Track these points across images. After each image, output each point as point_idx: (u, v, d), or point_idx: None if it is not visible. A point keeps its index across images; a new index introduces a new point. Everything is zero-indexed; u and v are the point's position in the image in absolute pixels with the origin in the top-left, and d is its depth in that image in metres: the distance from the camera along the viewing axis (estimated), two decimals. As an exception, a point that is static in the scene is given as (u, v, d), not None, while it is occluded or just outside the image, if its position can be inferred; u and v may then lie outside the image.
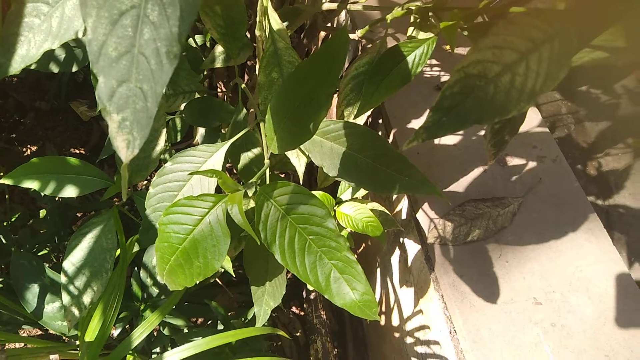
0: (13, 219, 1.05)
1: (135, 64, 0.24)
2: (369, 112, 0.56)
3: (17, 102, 1.42)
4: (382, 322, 0.90)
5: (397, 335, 0.82)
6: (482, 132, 0.74)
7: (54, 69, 0.58)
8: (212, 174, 0.43)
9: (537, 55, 0.31)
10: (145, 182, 1.33)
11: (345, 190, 0.70)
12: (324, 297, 0.42)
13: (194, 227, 0.43)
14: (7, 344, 1.03)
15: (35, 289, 0.72)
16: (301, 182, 0.56)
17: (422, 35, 0.52)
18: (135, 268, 0.80)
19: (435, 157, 0.71)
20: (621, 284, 0.61)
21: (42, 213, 1.12)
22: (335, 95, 0.70)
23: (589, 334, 0.57)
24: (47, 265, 0.76)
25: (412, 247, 0.71)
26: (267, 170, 0.49)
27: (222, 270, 0.70)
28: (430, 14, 0.49)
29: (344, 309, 0.42)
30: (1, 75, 0.38)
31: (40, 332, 1.07)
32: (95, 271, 0.59)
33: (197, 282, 0.45)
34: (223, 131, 0.73)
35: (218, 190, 0.50)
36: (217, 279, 0.96)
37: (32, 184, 0.60)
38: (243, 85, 0.59)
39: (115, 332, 0.79)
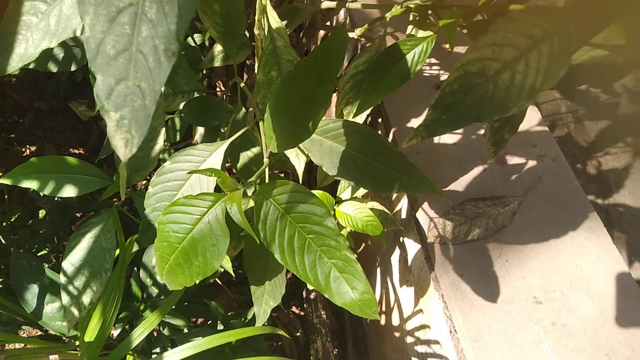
0: (12, 219, 1.05)
1: (133, 62, 0.24)
2: (368, 111, 0.56)
3: (15, 102, 1.42)
4: (382, 322, 0.90)
5: (397, 334, 0.81)
6: (482, 131, 0.74)
7: (53, 68, 0.58)
8: (211, 173, 0.43)
9: (537, 52, 0.31)
10: (144, 182, 1.33)
11: (344, 189, 0.70)
12: (324, 296, 0.42)
13: (193, 227, 0.43)
14: (6, 345, 1.03)
15: (34, 289, 0.72)
16: (300, 181, 0.56)
17: (421, 33, 0.52)
18: (135, 268, 0.80)
19: (434, 156, 0.71)
20: (621, 283, 0.61)
21: (42, 213, 1.12)
22: (334, 94, 0.70)
23: (589, 333, 0.57)
24: (46, 265, 0.76)
25: (412, 247, 0.71)
26: (266, 170, 0.49)
27: (222, 270, 0.70)
28: (429, 12, 0.49)
29: (344, 309, 0.42)
30: (-1, 74, 0.38)
31: (40, 333, 1.07)
32: (95, 271, 0.59)
33: (197, 281, 0.45)
34: (222, 130, 0.73)
35: (217, 189, 0.50)
36: (216, 279, 0.96)
37: (31, 184, 0.60)
38: (242, 84, 0.58)
39: (115, 332, 0.79)
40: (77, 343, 0.69)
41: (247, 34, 0.79)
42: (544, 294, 0.60)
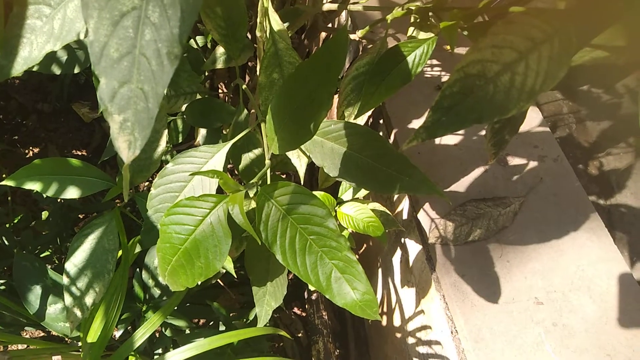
0: (15, 221, 1.06)
1: (136, 65, 0.24)
2: (369, 112, 0.56)
3: (19, 104, 1.42)
4: (384, 323, 0.90)
5: (398, 335, 0.82)
6: (483, 132, 0.74)
7: (56, 70, 0.59)
8: (213, 175, 0.43)
9: (537, 54, 0.31)
10: (147, 183, 1.33)
11: (346, 190, 0.70)
12: (326, 297, 0.42)
13: (195, 228, 0.43)
14: (9, 346, 1.03)
15: (37, 290, 0.72)
16: (302, 182, 0.56)
17: (422, 35, 0.52)
18: (137, 269, 0.81)
19: (436, 157, 0.71)
20: (623, 283, 0.61)
21: (44, 215, 1.13)
22: (335, 96, 0.70)
23: (591, 333, 0.57)
24: (49, 266, 0.76)
25: (414, 247, 0.71)
26: (268, 171, 0.49)
27: (224, 271, 0.70)
28: (430, 14, 0.49)
29: (345, 310, 0.42)
30: (4, 77, 0.38)
31: (42, 334, 1.07)
32: (98, 272, 0.59)
33: (199, 282, 0.45)
34: (224, 132, 0.74)
35: (219, 190, 0.50)
36: (218, 280, 0.96)
37: (34, 186, 0.60)
38: (244, 86, 0.59)
39: (118, 333, 0.79)
40: (80, 344, 0.69)
41: (249, 36, 0.79)
42: (545, 295, 0.60)
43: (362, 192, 0.69)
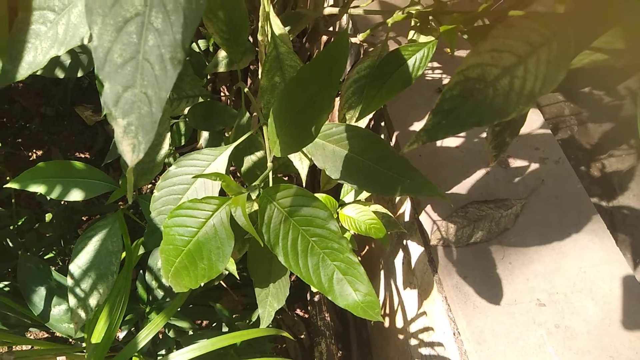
0: (19, 223, 1.06)
1: (140, 70, 0.24)
2: (370, 115, 0.57)
3: (22, 107, 1.43)
4: (386, 324, 0.90)
5: (401, 337, 0.82)
6: (484, 134, 0.74)
7: (60, 74, 0.59)
8: (216, 177, 0.44)
9: (536, 58, 0.31)
10: (150, 186, 1.34)
11: (347, 192, 0.70)
12: (328, 299, 0.43)
13: (198, 230, 0.43)
14: (14, 347, 1.04)
15: (41, 291, 0.73)
16: (304, 184, 0.56)
17: (422, 38, 0.52)
18: (141, 271, 0.81)
19: (437, 159, 0.71)
20: (625, 285, 0.61)
21: (48, 217, 1.13)
22: (337, 99, 0.70)
23: (593, 335, 0.57)
24: (53, 268, 0.77)
25: (415, 249, 0.71)
26: (270, 173, 0.50)
27: (227, 272, 0.71)
28: (430, 17, 0.49)
29: (348, 311, 0.42)
30: (9, 81, 0.39)
31: (46, 335, 1.08)
32: (101, 274, 0.60)
33: (202, 284, 0.45)
34: (226, 135, 0.74)
35: (222, 193, 0.51)
36: (221, 282, 0.96)
37: (38, 188, 0.61)
38: (246, 89, 0.59)
39: (121, 335, 0.79)
40: (84, 345, 0.69)
41: (251, 40, 0.80)
42: (547, 297, 0.60)
43: (364, 194, 0.70)
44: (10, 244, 0.92)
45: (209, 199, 0.44)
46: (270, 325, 0.62)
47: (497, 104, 0.31)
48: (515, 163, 0.71)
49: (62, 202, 1.04)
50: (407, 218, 0.75)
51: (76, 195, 0.62)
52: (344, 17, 0.97)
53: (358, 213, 0.64)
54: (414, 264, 0.72)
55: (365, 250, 1.05)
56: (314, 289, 0.83)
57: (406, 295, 0.78)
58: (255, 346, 0.81)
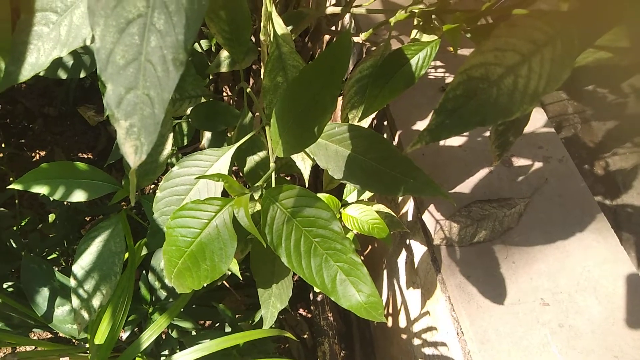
0: (23, 224, 1.06)
1: (142, 71, 0.24)
2: (373, 115, 0.56)
3: (25, 108, 1.44)
4: (389, 324, 0.90)
5: (404, 336, 0.82)
6: (488, 133, 0.74)
7: (62, 75, 0.59)
8: (219, 178, 0.44)
9: (540, 57, 0.31)
10: (152, 186, 1.34)
11: (350, 192, 0.70)
12: (331, 299, 0.43)
13: (201, 231, 0.43)
14: (18, 347, 1.04)
15: (45, 292, 0.73)
16: (307, 185, 0.56)
17: (425, 37, 0.52)
18: (144, 271, 0.81)
19: (440, 159, 0.71)
20: (630, 284, 0.61)
21: (52, 217, 1.13)
22: (339, 99, 0.70)
23: (597, 334, 0.57)
24: (56, 269, 0.77)
25: (419, 249, 0.71)
26: (273, 174, 0.50)
27: (230, 273, 0.71)
28: (433, 16, 0.49)
29: (351, 311, 0.42)
30: (12, 82, 0.39)
31: (50, 335, 1.08)
32: (104, 274, 0.60)
33: (205, 284, 0.45)
34: (229, 135, 0.74)
35: (225, 193, 0.51)
36: (224, 282, 0.96)
37: (41, 189, 0.61)
38: (248, 90, 0.59)
39: (125, 335, 0.79)
40: (87, 345, 0.69)
41: (253, 40, 0.79)
42: (551, 296, 0.60)
43: (367, 194, 0.70)
44: (14, 245, 0.92)
45: (212, 199, 0.44)
46: (273, 326, 0.62)
47: (501, 104, 0.31)
48: (519, 162, 0.71)
49: (65, 203, 1.04)
50: (410, 217, 0.75)
51: (79, 196, 0.62)
52: (347, 17, 0.97)
53: (361, 213, 0.64)
54: (417, 264, 0.72)
55: (368, 250, 1.05)
56: (317, 289, 0.83)
57: (409, 295, 0.78)
58: (258, 346, 0.81)
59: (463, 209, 0.66)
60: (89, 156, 1.40)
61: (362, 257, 1.08)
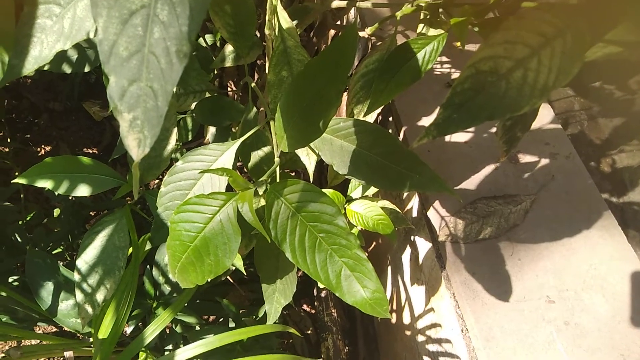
0: (28, 218, 1.07)
1: (145, 63, 0.24)
2: (378, 110, 0.56)
3: (31, 103, 1.44)
4: (393, 320, 0.90)
5: (408, 333, 0.81)
6: (494, 129, 0.73)
7: (67, 69, 0.59)
8: (223, 172, 0.43)
9: (550, 50, 0.31)
10: (157, 181, 1.34)
11: (355, 188, 0.70)
12: (335, 295, 0.42)
13: (205, 225, 0.43)
14: (23, 341, 1.05)
15: (49, 286, 0.73)
16: (311, 180, 0.56)
17: (432, 32, 0.51)
18: (148, 266, 0.81)
19: (446, 154, 0.71)
20: (636, 282, 0.60)
21: (56, 212, 1.14)
22: (344, 94, 0.70)
23: (604, 332, 0.57)
24: (61, 263, 0.77)
25: (423, 245, 0.71)
26: (277, 169, 0.49)
27: (233, 268, 0.71)
28: (440, 10, 0.49)
29: (355, 307, 0.42)
30: (15, 75, 0.39)
31: (55, 329, 1.09)
32: (108, 269, 0.60)
33: (209, 279, 0.45)
34: (233, 130, 0.74)
35: (229, 188, 0.50)
36: (228, 277, 0.96)
37: (45, 183, 0.61)
38: (253, 84, 0.59)
39: (129, 329, 0.80)
40: (91, 340, 0.70)
41: (258, 34, 0.79)
42: (557, 293, 0.59)
43: (372, 190, 0.69)
44: (19, 239, 0.92)
45: (216, 194, 0.43)
46: (277, 321, 0.62)
47: (510, 98, 0.30)
48: (525, 158, 0.70)
49: (70, 198, 1.04)
50: (415, 214, 0.74)
51: (83, 190, 0.62)
52: (352, 11, 0.97)
53: (366, 209, 0.64)
54: (422, 260, 0.72)
55: (373, 246, 1.04)
56: (321, 285, 0.82)
57: (414, 292, 0.78)
58: (262, 342, 0.81)
59: (468, 206, 0.65)
60: (94, 151, 1.41)
61: (367, 253, 1.07)
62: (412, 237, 0.76)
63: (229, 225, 0.43)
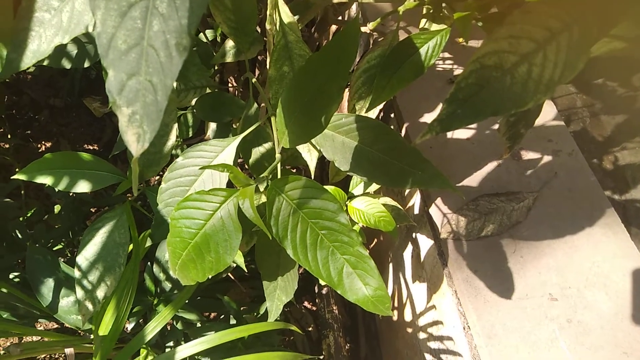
0: (29, 215, 1.07)
1: (144, 57, 0.23)
2: (380, 106, 0.56)
3: (31, 99, 1.44)
4: (395, 318, 0.90)
5: (409, 330, 0.81)
6: (496, 126, 0.73)
7: (66, 64, 0.58)
8: (224, 169, 0.43)
9: (555, 44, 0.30)
10: (157, 177, 1.34)
11: (357, 184, 0.69)
12: (336, 292, 0.42)
13: (205, 222, 0.43)
14: (24, 337, 1.05)
15: (50, 283, 0.73)
16: (313, 176, 0.56)
17: (435, 27, 0.51)
18: (149, 263, 0.81)
19: (448, 151, 0.70)
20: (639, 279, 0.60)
21: (57, 208, 1.13)
22: (346, 89, 0.69)
23: (607, 330, 0.56)
24: (61, 259, 0.77)
25: (425, 242, 0.70)
26: (279, 165, 0.49)
27: (235, 265, 0.70)
28: (443, 4, 0.48)
29: (356, 304, 0.42)
30: (13, 70, 0.38)
31: (56, 326, 1.09)
32: (109, 266, 0.60)
33: (209, 276, 0.45)
34: (234, 126, 0.73)
35: (230, 185, 0.50)
36: (229, 274, 0.96)
37: (45, 180, 0.60)
38: (254, 80, 0.58)
39: (129, 326, 0.80)
40: (92, 336, 0.69)
41: (259, 29, 0.79)
42: (559, 291, 0.59)
43: (373, 187, 0.69)
44: (20, 236, 0.92)
45: (216, 190, 0.43)
46: (278, 319, 0.62)
47: (515, 93, 0.30)
48: (528, 155, 0.70)
49: (71, 194, 1.04)
50: (416, 211, 0.74)
51: (83, 186, 0.62)
52: (354, 6, 0.96)
53: (367, 205, 0.63)
54: (424, 257, 0.71)
55: (374, 243, 1.04)
56: (322, 282, 0.82)
57: (415, 289, 0.77)
58: (263, 339, 0.81)
59: (471, 203, 0.65)
60: (95, 147, 1.40)
61: (368, 251, 1.07)
62: (413, 234, 0.76)
63: (230, 221, 0.43)
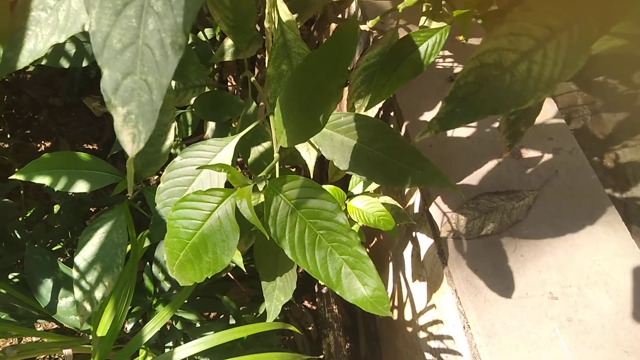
0: (28, 215, 1.06)
1: (139, 56, 0.23)
2: (380, 105, 0.55)
3: (30, 98, 1.43)
4: (395, 317, 0.90)
5: (409, 329, 0.81)
6: (496, 124, 0.72)
7: (65, 64, 0.58)
8: (221, 168, 0.43)
9: (555, 42, 0.30)
10: (156, 177, 1.33)
11: (356, 184, 0.69)
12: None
13: (203, 222, 0.43)
14: (23, 338, 1.05)
15: (49, 283, 0.73)
16: (312, 176, 0.55)
17: (434, 24, 0.51)
18: (147, 263, 0.81)
19: (448, 150, 0.70)
20: (640, 278, 0.60)
21: (56, 208, 1.13)
22: (345, 88, 0.69)
23: (607, 329, 0.56)
24: (61, 260, 0.76)
25: (425, 241, 0.70)
26: (277, 164, 0.49)
27: (234, 265, 0.70)
28: (443, 2, 0.48)
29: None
30: (10, 69, 0.38)
31: (56, 326, 1.08)
32: (107, 266, 0.59)
33: (207, 277, 0.44)
34: (233, 125, 0.73)
35: (228, 184, 0.50)
36: (228, 273, 0.96)
37: (43, 180, 0.60)
38: (253, 79, 0.58)
39: (129, 327, 0.79)
40: (91, 337, 0.69)
41: (258, 28, 0.78)
42: (560, 290, 0.59)
43: (373, 186, 0.69)
44: (19, 236, 0.92)
45: (214, 190, 0.43)
46: (278, 318, 0.61)
47: (514, 91, 0.30)
48: (528, 153, 0.69)
49: (70, 194, 1.04)
50: (416, 210, 0.74)
51: (81, 186, 0.62)
52: (353, 4, 0.95)
53: (367, 205, 0.63)
54: (424, 256, 0.71)
55: (374, 242, 1.04)
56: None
57: (415, 288, 0.77)
58: (262, 339, 0.80)
59: (471, 201, 0.64)
60: (94, 147, 1.40)
61: (368, 250, 1.07)
62: (413, 233, 0.75)
63: (227, 222, 0.42)
